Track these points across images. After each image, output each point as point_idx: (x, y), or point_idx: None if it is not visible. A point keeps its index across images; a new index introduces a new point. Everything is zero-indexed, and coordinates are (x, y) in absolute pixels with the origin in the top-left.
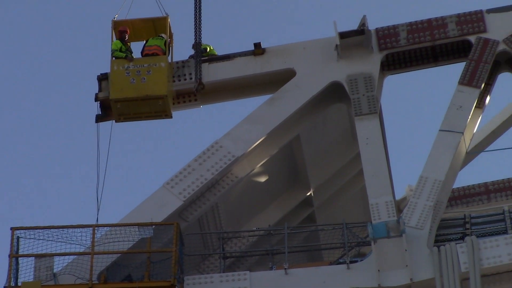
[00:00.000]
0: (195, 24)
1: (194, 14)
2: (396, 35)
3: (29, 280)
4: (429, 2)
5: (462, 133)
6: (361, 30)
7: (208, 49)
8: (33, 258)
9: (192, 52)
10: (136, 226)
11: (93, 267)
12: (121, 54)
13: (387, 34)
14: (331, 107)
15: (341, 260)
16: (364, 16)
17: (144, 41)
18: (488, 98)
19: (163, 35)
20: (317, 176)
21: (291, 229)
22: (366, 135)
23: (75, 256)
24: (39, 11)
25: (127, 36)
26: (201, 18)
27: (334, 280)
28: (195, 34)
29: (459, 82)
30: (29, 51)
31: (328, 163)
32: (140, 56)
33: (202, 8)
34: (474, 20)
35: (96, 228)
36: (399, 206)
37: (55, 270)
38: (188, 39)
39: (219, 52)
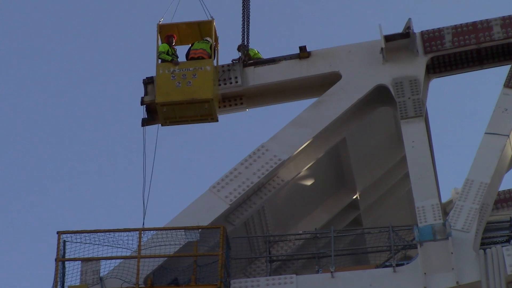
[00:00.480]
0: (243, 20)
1: (242, 14)
2: (441, 38)
3: (76, 284)
4: (474, 4)
5: (508, 135)
6: (406, 33)
7: (253, 53)
8: (79, 262)
9: (236, 55)
10: (183, 230)
11: (139, 270)
12: (168, 57)
13: (432, 37)
14: (376, 110)
15: (387, 263)
16: (409, 19)
17: (190, 45)
18: None
19: (208, 38)
20: (363, 179)
21: (337, 232)
22: (412, 138)
23: (122, 260)
24: (86, 15)
25: (174, 41)
26: (249, 17)
27: (380, 283)
28: (242, 30)
29: (504, 85)
30: (75, 55)
31: (374, 166)
32: (185, 59)
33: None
34: None
35: (142, 231)
36: (445, 209)
37: (101, 274)
38: (234, 43)
39: (264, 55)
